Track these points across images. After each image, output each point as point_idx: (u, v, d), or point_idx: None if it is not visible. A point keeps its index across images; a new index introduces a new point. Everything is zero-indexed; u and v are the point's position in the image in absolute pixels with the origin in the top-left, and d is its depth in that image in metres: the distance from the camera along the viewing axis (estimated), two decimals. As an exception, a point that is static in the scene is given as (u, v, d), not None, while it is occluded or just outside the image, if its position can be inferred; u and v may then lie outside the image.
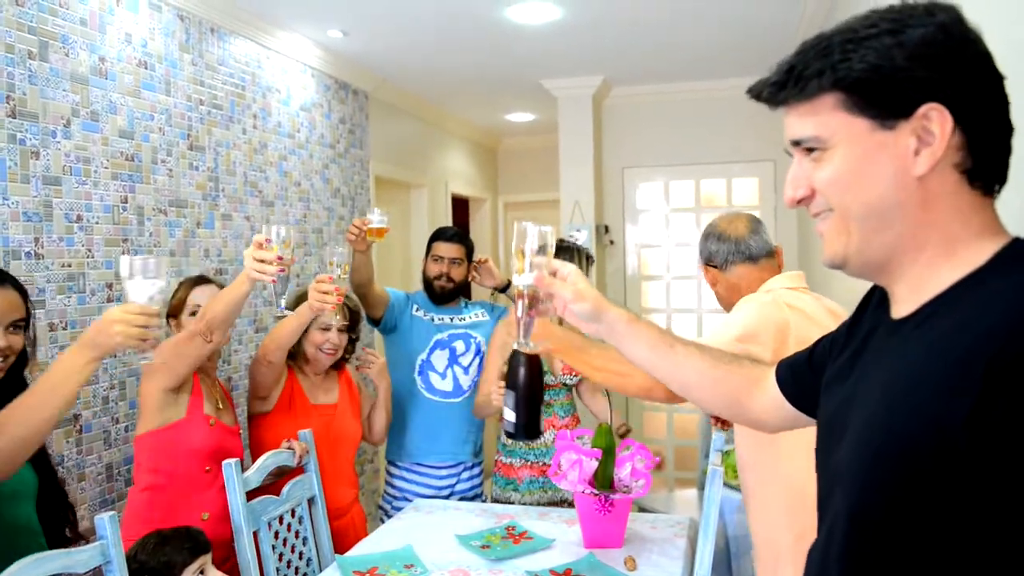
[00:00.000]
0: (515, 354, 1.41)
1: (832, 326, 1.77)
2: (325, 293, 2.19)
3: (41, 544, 1.78)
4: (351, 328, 2.68)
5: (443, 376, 3.05)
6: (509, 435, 1.45)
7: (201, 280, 2.44)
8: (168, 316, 2.39)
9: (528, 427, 1.41)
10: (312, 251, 3.96)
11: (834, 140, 0.86)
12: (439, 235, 3.15)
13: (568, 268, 1.27)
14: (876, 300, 0.99)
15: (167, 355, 2.07)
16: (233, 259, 3.32)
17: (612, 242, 5.09)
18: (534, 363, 1.42)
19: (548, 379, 2.87)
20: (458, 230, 3.24)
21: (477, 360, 3.09)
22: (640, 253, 5.20)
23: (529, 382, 1.40)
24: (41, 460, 1.89)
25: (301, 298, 2.38)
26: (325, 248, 2.51)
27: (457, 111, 5.60)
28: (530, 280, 1.26)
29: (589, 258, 3.09)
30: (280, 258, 1.94)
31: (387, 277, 4.86)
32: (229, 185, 3.33)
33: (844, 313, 1.86)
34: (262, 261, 1.94)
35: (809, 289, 1.94)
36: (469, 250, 3.14)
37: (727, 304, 2.04)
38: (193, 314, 2.32)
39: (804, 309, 1.83)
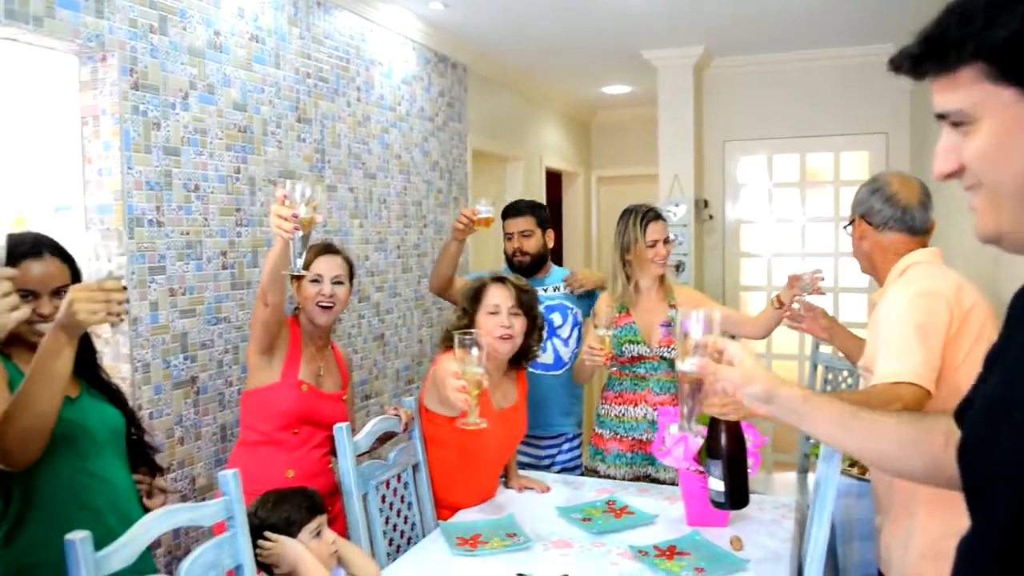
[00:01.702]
0: (715, 422, 1.37)
1: (968, 299, 1.72)
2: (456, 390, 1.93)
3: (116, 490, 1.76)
4: (528, 311, 2.39)
5: (543, 349, 3.04)
6: (717, 504, 1.41)
7: (327, 249, 2.44)
8: (293, 278, 2.39)
9: (735, 495, 1.36)
10: (411, 223, 4.00)
11: (979, 113, 0.80)
12: (505, 213, 3.16)
13: (734, 348, 1.20)
14: None
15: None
16: (338, 230, 3.38)
17: (711, 216, 4.97)
18: (735, 431, 1.38)
19: (643, 350, 2.79)
20: (521, 201, 3.23)
21: (576, 331, 3.07)
22: (740, 229, 5.06)
23: (732, 450, 1.36)
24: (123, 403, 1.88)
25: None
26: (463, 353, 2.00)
27: (553, 84, 5.55)
28: (693, 367, 1.22)
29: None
30: (295, 215, 1.90)
31: (482, 255, 4.88)
32: (334, 157, 3.39)
33: (972, 289, 1.79)
34: (281, 217, 1.92)
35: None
36: (540, 219, 3.12)
37: (862, 259, 2.02)
38: (313, 281, 2.36)
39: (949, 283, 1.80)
